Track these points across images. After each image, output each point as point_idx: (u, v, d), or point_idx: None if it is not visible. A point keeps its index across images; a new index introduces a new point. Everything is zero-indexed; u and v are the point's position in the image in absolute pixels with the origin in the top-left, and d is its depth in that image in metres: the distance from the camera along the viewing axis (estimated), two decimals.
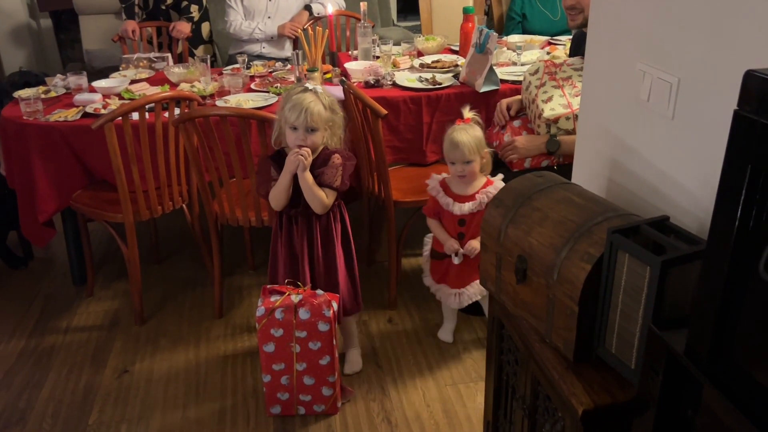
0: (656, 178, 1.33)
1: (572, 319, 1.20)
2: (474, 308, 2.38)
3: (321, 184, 1.94)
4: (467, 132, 2.05)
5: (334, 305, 1.92)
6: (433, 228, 2.21)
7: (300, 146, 1.89)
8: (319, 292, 1.93)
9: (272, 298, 1.92)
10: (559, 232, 1.25)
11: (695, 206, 1.21)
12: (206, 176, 2.38)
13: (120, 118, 2.22)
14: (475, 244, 2.09)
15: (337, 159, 1.95)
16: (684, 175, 1.24)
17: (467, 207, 2.11)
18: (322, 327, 1.90)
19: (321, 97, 1.90)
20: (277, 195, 1.97)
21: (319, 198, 1.94)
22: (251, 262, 2.91)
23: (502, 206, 1.40)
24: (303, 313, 1.89)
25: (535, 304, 1.30)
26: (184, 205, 2.64)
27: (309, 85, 1.93)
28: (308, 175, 1.91)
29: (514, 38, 3.23)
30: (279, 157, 1.98)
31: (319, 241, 2.02)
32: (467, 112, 2.10)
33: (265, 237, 3.10)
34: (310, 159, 1.90)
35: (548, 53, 3.01)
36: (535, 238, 1.29)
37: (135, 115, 2.37)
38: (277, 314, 1.89)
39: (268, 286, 1.96)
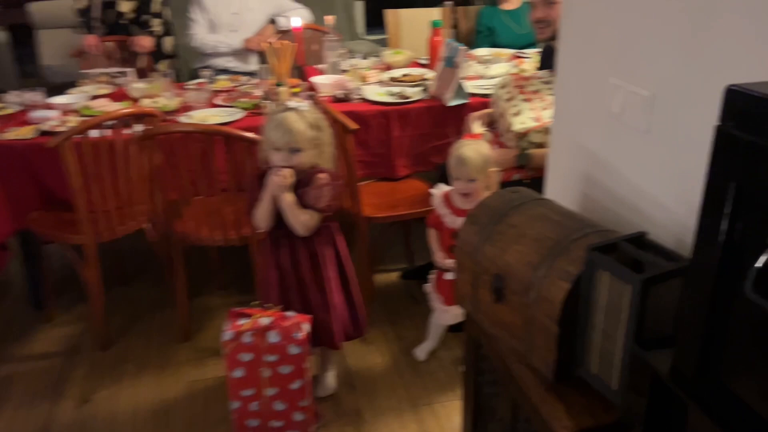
0: (631, 192, 1.31)
1: (552, 339, 1.17)
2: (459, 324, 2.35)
3: (304, 205, 1.89)
4: (475, 149, 2.00)
5: (305, 327, 1.86)
6: (430, 239, 2.18)
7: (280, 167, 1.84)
8: (290, 313, 1.87)
9: (240, 322, 1.85)
10: (536, 250, 1.22)
11: (671, 221, 1.20)
12: (170, 195, 2.31)
13: (79, 135, 2.14)
14: None
15: (322, 179, 1.89)
16: (660, 190, 1.23)
17: (460, 222, 2.07)
18: (293, 350, 1.84)
19: (304, 115, 1.85)
20: (260, 216, 1.91)
21: (301, 221, 1.88)
22: (219, 281, 2.83)
23: (477, 223, 1.37)
24: (272, 337, 1.82)
25: (513, 324, 1.27)
26: (147, 225, 2.55)
27: (292, 103, 1.87)
28: (288, 197, 1.86)
29: (481, 51, 3.24)
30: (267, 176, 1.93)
31: (307, 264, 1.96)
32: (477, 127, 2.05)
33: (233, 256, 3.02)
34: (290, 180, 1.85)
35: (515, 66, 3.01)
36: (512, 256, 1.25)
37: (94, 133, 2.28)
38: (245, 338, 1.83)
39: (236, 309, 1.89)
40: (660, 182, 1.22)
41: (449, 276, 2.12)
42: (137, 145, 2.29)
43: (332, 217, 2.00)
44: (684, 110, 1.14)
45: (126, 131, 2.31)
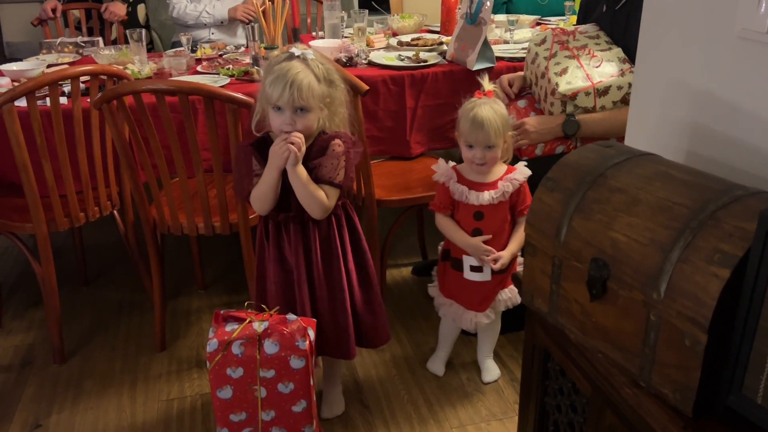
0: None
1: (694, 353, 0.79)
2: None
3: (318, 179, 1.50)
4: (492, 108, 1.62)
5: (311, 333, 1.47)
6: (445, 228, 1.73)
7: (287, 132, 1.44)
8: (291, 317, 1.47)
9: (228, 328, 1.45)
10: (662, 222, 0.84)
11: None
12: (141, 175, 1.90)
13: (25, 100, 1.73)
14: (506, 256, 1.67)
15: (338, 146, 1.50)
16: None
17: (486, 196, 1.67)
18: (296, 363, 1.44)
19: (312, 65, 1.45)
20: (261, 196, 1.51)
21: (318, 199, 1.49)
22: (200, 279, 2.42)
23: (559, 190, 0.98)
24: (270, 346, 1.43)
25: (620, 330, 0.89)
26: (114, 212, 2.14)
27: (296, 50, 1.47)
28: (301, 170, 1.46)
29: (500, 17, 2.86)
30: (262, 145, 1.52)
31: (318, 255, 1.57)
32: (487, 84, 1.68)
33: (216, 248, 2.62)
34: (304, 149, 1.46)
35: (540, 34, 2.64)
36: (621, 232, 0.87)
37: (48, 101, 1.87)
38: (235, 348, 1.43)
39: (222, 312, 1.49)
40: None
41: (474, 276, 1.71)
42: (99, 113, 1.88)
43: (345, 194, 1.62)
44: None
45: (87, 100, 1.91)
